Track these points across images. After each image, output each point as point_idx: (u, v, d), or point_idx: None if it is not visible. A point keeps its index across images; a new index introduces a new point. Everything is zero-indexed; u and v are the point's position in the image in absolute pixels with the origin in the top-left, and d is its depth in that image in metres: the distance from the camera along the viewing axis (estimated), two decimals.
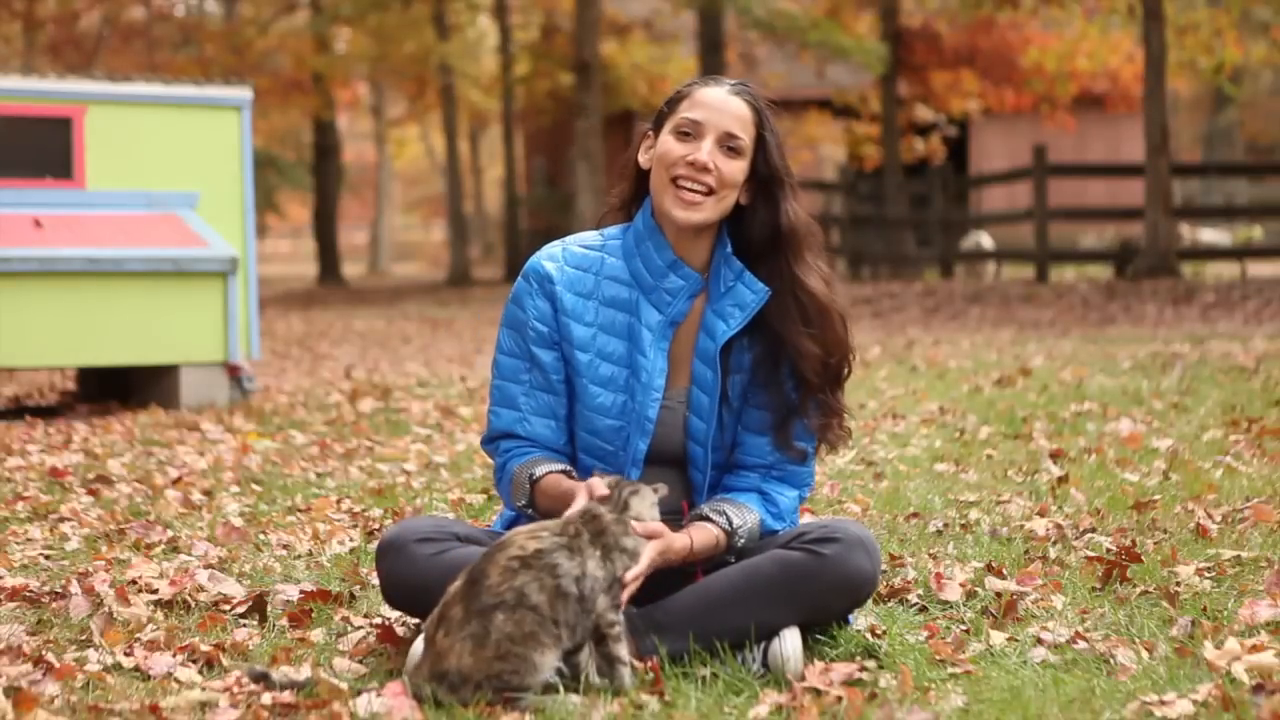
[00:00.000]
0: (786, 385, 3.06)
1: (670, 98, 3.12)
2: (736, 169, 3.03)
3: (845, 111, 25.73)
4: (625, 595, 2.81)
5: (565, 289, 3.07)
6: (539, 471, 3.02)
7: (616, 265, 3.10)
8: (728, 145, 3.03)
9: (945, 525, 4.29)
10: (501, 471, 3.13)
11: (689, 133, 3.03)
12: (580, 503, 2.83)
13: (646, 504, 2.87)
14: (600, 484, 2.85)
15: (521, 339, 3.10)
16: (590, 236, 3.16)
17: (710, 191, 3.01)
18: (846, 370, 3.10)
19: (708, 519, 3.01)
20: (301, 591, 3.61)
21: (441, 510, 4.79)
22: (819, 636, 3.07)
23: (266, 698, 2.73)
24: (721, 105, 3.04)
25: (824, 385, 3.05)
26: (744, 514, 3.04)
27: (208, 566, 3.95)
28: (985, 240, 20.97)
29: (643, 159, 3.13)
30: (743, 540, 3.02)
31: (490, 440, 3.15)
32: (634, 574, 2.81)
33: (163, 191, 8.07)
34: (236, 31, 27.61)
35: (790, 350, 3.03)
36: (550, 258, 3.11)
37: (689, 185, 3.01)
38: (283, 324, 17.34)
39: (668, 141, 3.05)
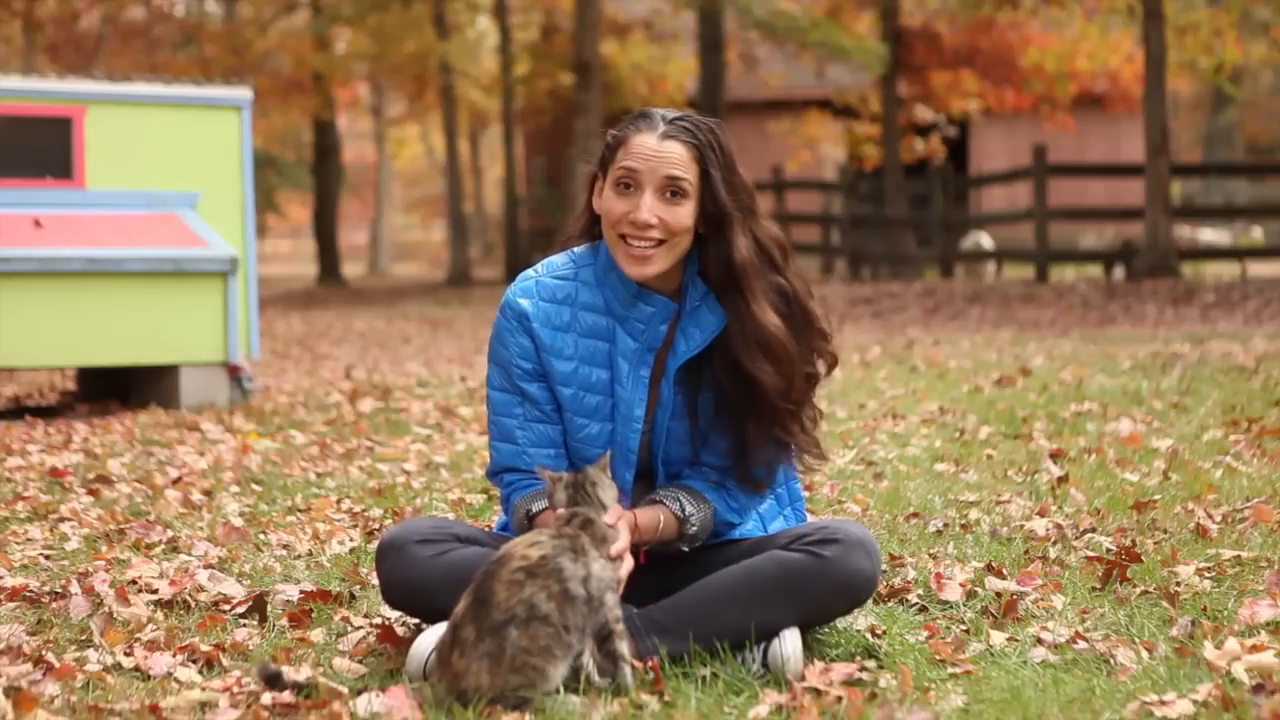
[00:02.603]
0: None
1: (609, 140, 3.04)
2: (683, 214, 2.97)
3: (845, 111, 25.72)
4: (623, 573, 2.83)
5: (542, 325, 3.05)
6: (535, 508, 3.01)
7: (590, 294, 3.07)
8: (669, 190, 2.96)
9: (945, 525, 4.29)
10: (506, 504, 3.14)
11: (628, 184, 2.97)
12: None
13: (608, 490, 2.87)
14: (562, 513, 2.85)
15: (508, 375, 3.08)
16: (562, 263, 3.11)
17: (660, 242, 2.97)
18: (813, 384, 3.07)
19: (659, 503, 3.02)
20: (301, 591, 3.61)
21: (441, 510, 4.79)
22: (819, 636, 3.07)
23: (267, 698, 2.73)
24: (655, 153, 2.96)
25: (785, 416, 3.02)
26: (698, 502, 3.04)
27: (208, 566, 3.95)
28: (985, 240, 20.97)
29: (595, 203, 3.08)
30: (694, 528, 3.02)
31: (494, 474, 3.14)
32: (626, 568, 2.85)
33: (163, 191, 8.07)
34: (236, 31, 27.62)
35: (751, 382, 2.99)
36: (524, 293, 3.07)
37: (636, 242, 2.96)
38: (283, 324, 17.34)
39: (609, 197, 3.00)
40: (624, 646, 2.79)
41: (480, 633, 2.67)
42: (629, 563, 2.86)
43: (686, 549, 3.06)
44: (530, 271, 3.13)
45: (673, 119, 3.02)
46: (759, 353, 2.98)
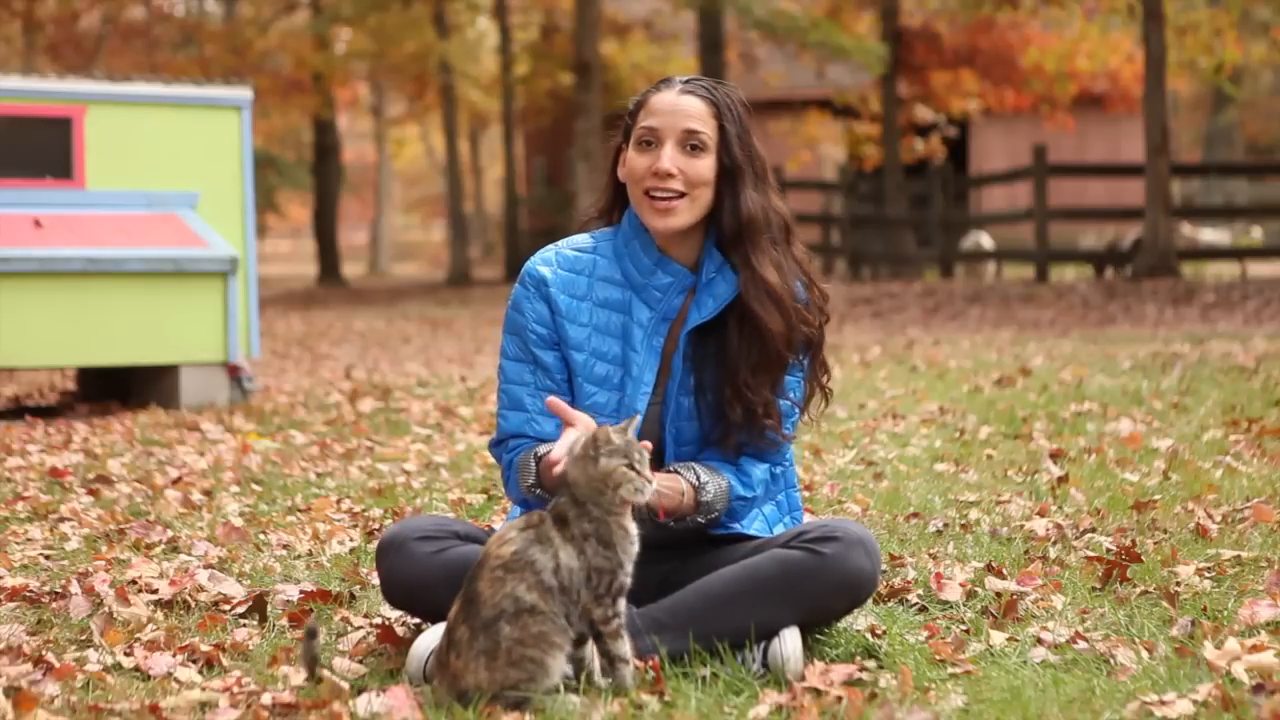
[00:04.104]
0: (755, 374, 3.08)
1: (631, 108, 3.14)
2: (703, 166, 3.05)
3: (845, 111, 25.73)
4: (560, 450, 2.78)
5: (560, 291, 3.11)
6: (542, 449, 3.02)
7: (608, 266, 3.13)
8: (689, 144, 3.04)
9: (945, 525, 4.29)
10: (509, 468, 3.13)
11: (650, 141, 3.06)
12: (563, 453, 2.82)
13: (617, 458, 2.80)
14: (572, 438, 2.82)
15: (523, 343, 3.12)
16: (581, 239, 3.19)
17: (681, 194, 3.03)
18: (815, 341, 3.12)
19: (675, 472, 3.03)
20: (301, 591, 3.61)
21: (441, 510, 4.79)
22: (819, 636, 3.06)
23: (266, 698, 2.73)
24: (673, 107, 3.06)
25: (782, 367, 3.07)
26: (714, 475, 3.05)
27: (208, 566, 3.95)
28: (985, 240, 20.97)
29: (620, 172, 3.15)
30: (709, 495, 3.02)
31: (498, 443, 3.16)
32: (560, 448, 2.79)
33: (163, 191, 8.07)
34: (236, 31, 27.62)
35: (760, 329, 3.04)
36: (544, 262, 3.14)
37: (659, 194, 3.03)
38: (283, 324, 17.35)
39: (632, 156, 3.08)
40: (619, 647, 2.78)
41: (473, 631, 2.68)
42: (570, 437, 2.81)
43: (703, 520, 3.05)
44: (550, 245, 3.20)
45: (689, 79, 3.13)
46: (767, 299, 3.04)
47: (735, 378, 3.06)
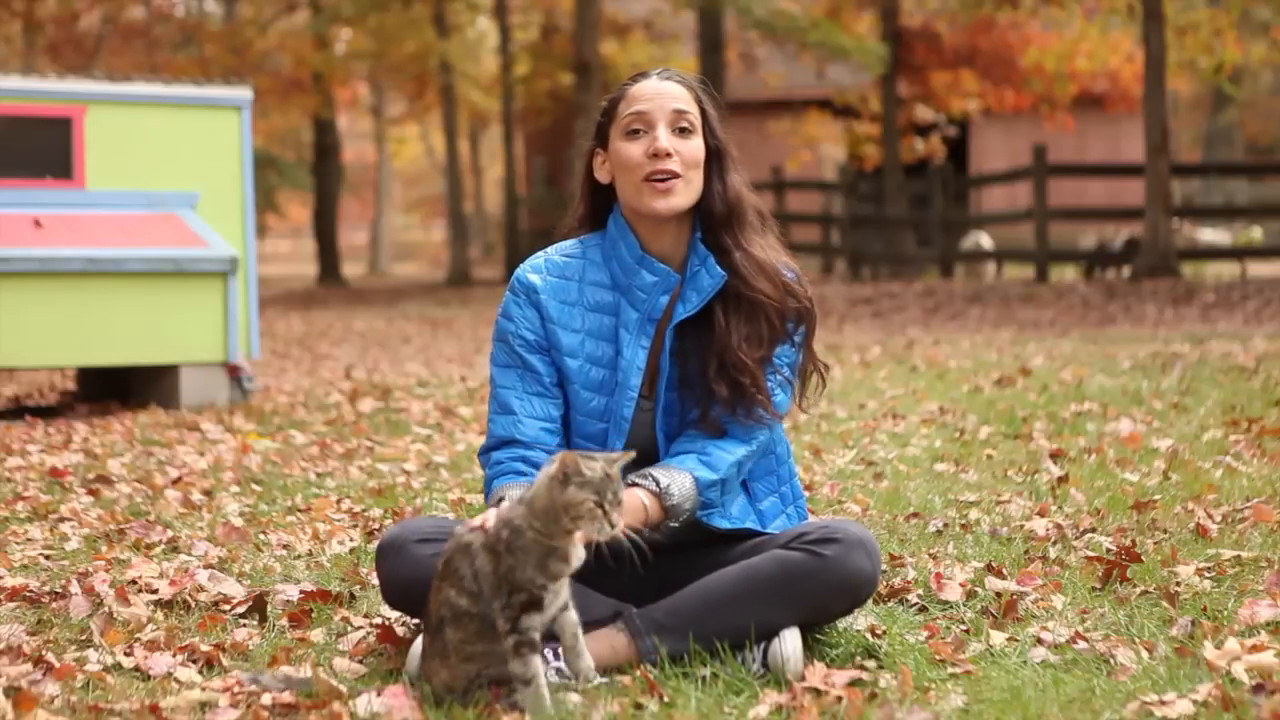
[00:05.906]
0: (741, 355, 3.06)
1: (605, 107, 3.15)
2: (695, 146, 3.08)
3: (845, 111, 25.74)
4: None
5: (550, 298, 3.10)
6: (509, 498, 2.92)
7: (597, 270, 3.13)
8: (679, 126, 3.07)
9: (945, 525, 4.29)
10: (489, 486, 3.09)
11: (639, 129, 3.07)
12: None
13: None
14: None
15: (511, 348, 3.11)
16: (569, 245, 3.18)
17: (677, 175, 3.04)
18: (809, 321, 3.13)
19: (633, 485, 2.95)
20: (301, 591, 3.61)
21: (441, 510, 4.80)
22: (819, 636, 3.06)
23: (266, 698, 2.73)
24: (659, 91, 3.09)
25: (774, 342, 3.07)
26: (671, 474, 2.99)
27: (208, 566, 3.95)
28: (985, 240, 20.97)
29: (599, 175, 3.15)
30: (674, 499, 2.96)
31: (485, 451, 3.12)
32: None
33: (163, 191, 8.07)
34: (236, 31, 27.64)
35: (754, 304, 3.05)
36: (534, 269, 3.14)
37: (659, 175, 3.03)
38: (283, 324, 17.35)
39: (622, 148, 3.07)
40: (516, 666, 2.65)
41: (430, 636, 2.76)
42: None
43: (676, 524, 3.01)
44: (539, 252, 3.19)
45: (663, 69, 3.18)
46: (759, 272, 3.06)
47: (724, 354, 3.04)
